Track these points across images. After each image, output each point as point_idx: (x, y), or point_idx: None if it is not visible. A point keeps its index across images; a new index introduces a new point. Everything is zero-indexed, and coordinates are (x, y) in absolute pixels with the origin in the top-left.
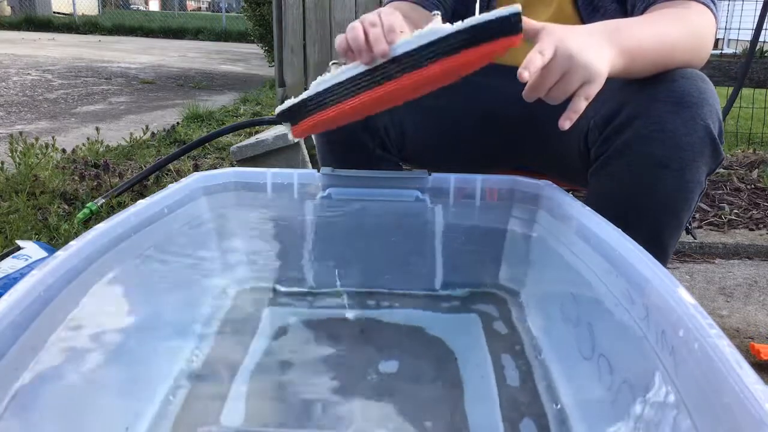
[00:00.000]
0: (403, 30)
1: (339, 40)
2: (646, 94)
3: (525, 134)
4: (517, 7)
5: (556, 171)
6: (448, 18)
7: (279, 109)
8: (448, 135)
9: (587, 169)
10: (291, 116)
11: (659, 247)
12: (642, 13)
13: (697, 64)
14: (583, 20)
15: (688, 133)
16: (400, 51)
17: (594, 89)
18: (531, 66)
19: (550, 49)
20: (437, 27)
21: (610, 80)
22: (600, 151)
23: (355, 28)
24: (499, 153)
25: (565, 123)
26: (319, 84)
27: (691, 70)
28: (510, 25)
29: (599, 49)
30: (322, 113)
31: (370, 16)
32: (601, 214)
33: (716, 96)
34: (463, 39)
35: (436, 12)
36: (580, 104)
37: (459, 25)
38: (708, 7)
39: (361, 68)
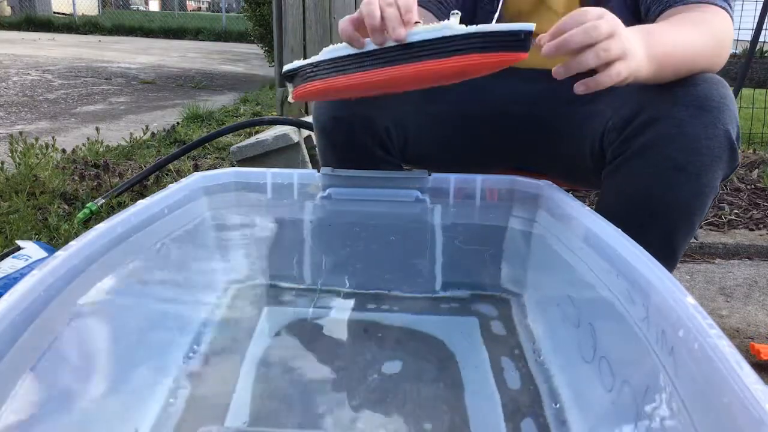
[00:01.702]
0: (417, 20)
1: (345, 21)
2: (667, 97)
3: (533, 135)
4: (530, 26)
5: (561, 171)
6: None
7: (286, 67)
8: (453, 137)
9: (599, 169)
10: (293, 78)
11: (670, 250)
12: (658, 16)
13: (716, 68)
14: None
15: (708, 137)
16: (413, 39)
17: (628, 70)
18: (570, 18)
19: (599, 11)
20: (451, 24)
21: (630, 83)
22: (618, 152)
23: (371, 4)
24: (504, 154)
25: (581, 87)
26: (327, 52)
27: (712, 75)
28: (518, 42)
29: (637, 50)
30: (321, 82)
31: None
32: (615, 215)
33: (735, 101)
34: (471, 43)
35: (455, 12)
36: (607, 78)
37: (472, 28)
38: (726, 10)
39: (370, 46)
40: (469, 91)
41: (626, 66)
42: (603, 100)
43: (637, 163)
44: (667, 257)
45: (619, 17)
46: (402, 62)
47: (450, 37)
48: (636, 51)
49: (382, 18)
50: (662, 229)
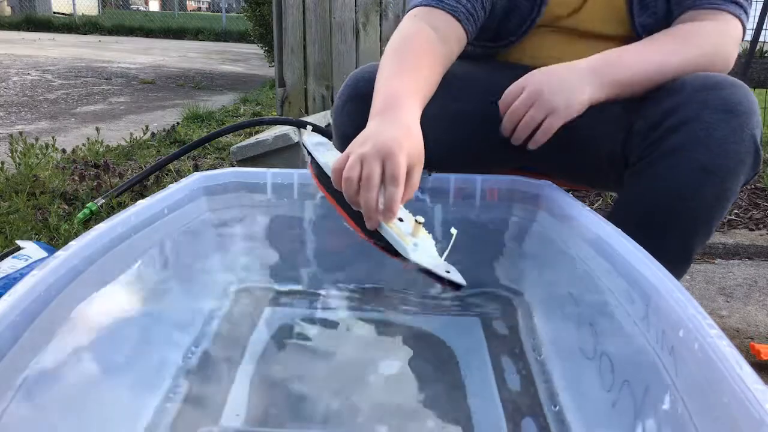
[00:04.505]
0: (399, 217)
1: (334, 173)
2: (696, 100)
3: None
4: (462, 282)
5: (569, 172)
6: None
7: (305, 138)
8: (472, 137)
9: (614, 172)
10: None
11: (685, 252)
12: (680, 14)
13: (715, 70)
14: (633, 16)
15: (735, 142)
16: (381, 231)
17: (557, 122)
18: (501, 103)
19: (520, 85)
20: (409, 248)
21: (656, 87)
22: (644, 154)
23: (350, 180)
24: (518, 155)
25: (532, 146)
26: (321, 151)
27: (738, 80)
28: (452, 285)
29: (577, 86)
30: (316, 180)
31: (372, 166)
32: (636, 215)
33: (758, 107)
34: (417, 269)
35: (419, 218)
36: (542, 136)
37: (422, 260)
38: (736, 16)
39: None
40: (491, 92)
41: (556, 119)
42: (619, 103)
43: (664, 164)
44: (682, 259)
45: (661, 15)
46: (364, 233)
47: (401, 254)
48: (570, 94)
49: (358, 194)
50: (681, 231)
